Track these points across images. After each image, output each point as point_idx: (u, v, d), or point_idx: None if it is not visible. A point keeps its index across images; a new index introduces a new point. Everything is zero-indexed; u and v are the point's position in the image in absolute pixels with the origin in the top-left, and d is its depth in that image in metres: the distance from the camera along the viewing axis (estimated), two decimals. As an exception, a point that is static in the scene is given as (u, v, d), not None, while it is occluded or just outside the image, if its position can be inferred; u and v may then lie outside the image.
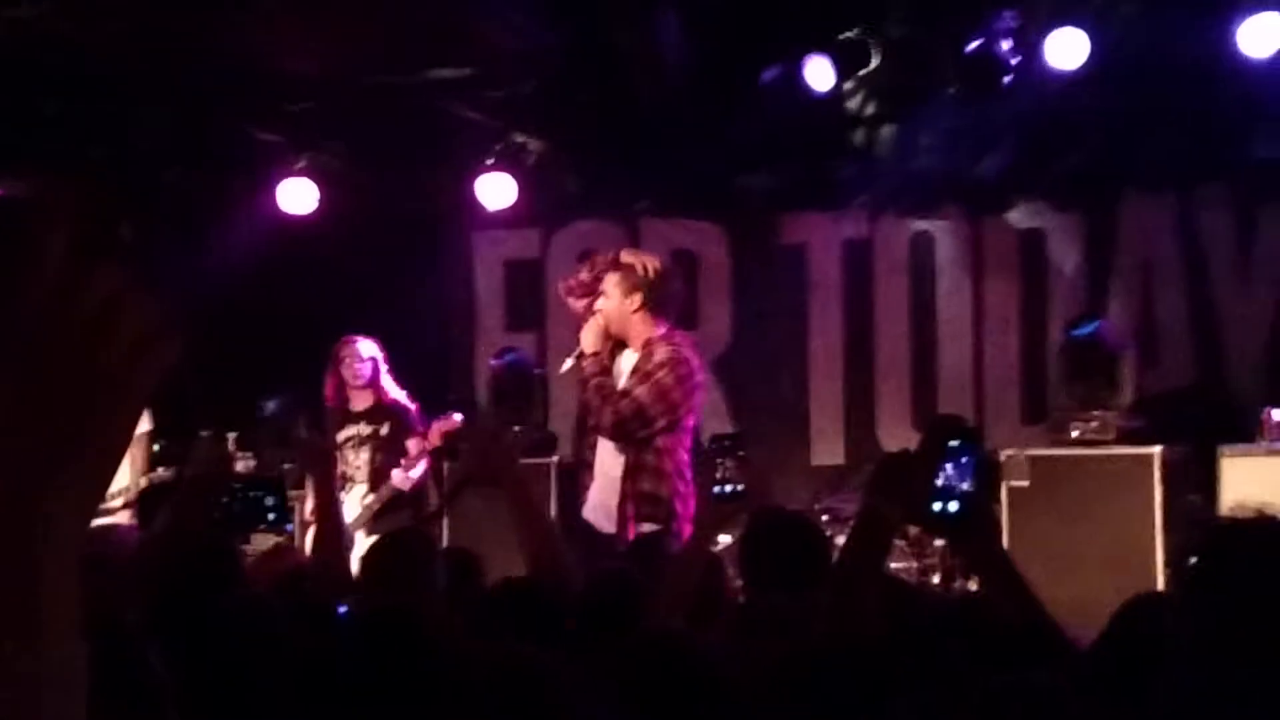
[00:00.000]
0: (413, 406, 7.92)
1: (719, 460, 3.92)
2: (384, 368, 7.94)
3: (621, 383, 6.25)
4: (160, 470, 8.28)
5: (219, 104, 8.68)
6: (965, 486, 2.69)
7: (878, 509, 2.82)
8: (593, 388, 6.24)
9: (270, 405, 8.97)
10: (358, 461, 7.90)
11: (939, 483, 2.68)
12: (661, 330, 6.28)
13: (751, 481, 3.90)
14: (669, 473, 6.16)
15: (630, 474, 6.19)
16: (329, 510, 4.68)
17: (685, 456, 6.25)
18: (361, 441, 7.88)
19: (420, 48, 8.09)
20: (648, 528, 6.17)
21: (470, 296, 10.11)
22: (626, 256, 6.51)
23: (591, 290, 6.40)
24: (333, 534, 4.47)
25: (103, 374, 0.98)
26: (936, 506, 2.71)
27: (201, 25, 7.41)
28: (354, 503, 7.80)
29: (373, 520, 7.74)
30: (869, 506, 2.84)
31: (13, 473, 0.95)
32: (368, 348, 7.95)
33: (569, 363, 6.47)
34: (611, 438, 6.23)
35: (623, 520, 6.23)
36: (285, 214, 9.35)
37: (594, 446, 6.48)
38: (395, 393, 7.94)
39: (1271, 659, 1.97)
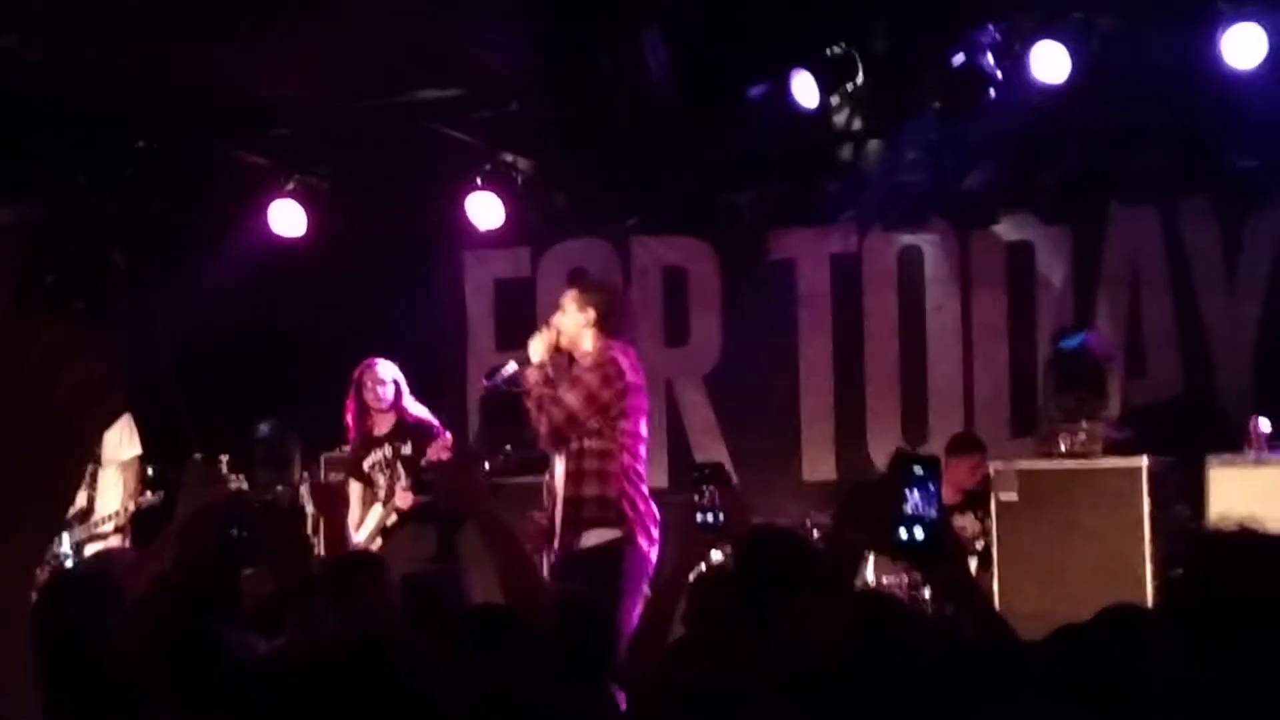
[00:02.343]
0: (436, 423, 7.88)
1: (700, 489, 3.97)
2: (405, 389, 7.93)
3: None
4: (150, 495, 8.29)
5: (207, 129, 8.71)
6: (930, 514, 2.73)
7: (844, 536, 2.86)
8: (534, 399, 6.35)
9: (263, 428, 8.98)
10: (381, 482, 7.89)
11: (905, 510, 2.72)
12: (608, 347, 6.37)
13: (731, 512, 3.93)
14: (613, 474, 6.22)
15: (571, 480, 6.26)
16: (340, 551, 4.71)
17: (629, 460, 6.31)
18: (388, 464, 7.86)
19: (406, 70, 8.13)
20: (600, 532, 6.20)
21: (461, 316, 10.13)
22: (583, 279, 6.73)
23: None
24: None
25: (48, 424, 0.99)
26: (903, 534, 2.75)
27: (186, 52, 7.44)
28: (372, 523, 7.85)
29: (379, 537, 7.76)
30: (835, 534, 2.89)
31: None
32: (388, 370, 7.91)
33: (510, 366, 6.57)
34: (549, 446, 6.34)
35: (568, 526, 6.25)
36: (275, 237, 9.38)
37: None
38: (418, 411, 7.91)
39: (1251, 672, 1.99)
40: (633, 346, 6.54)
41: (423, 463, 7.64)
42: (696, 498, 3.98)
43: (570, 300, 6.48)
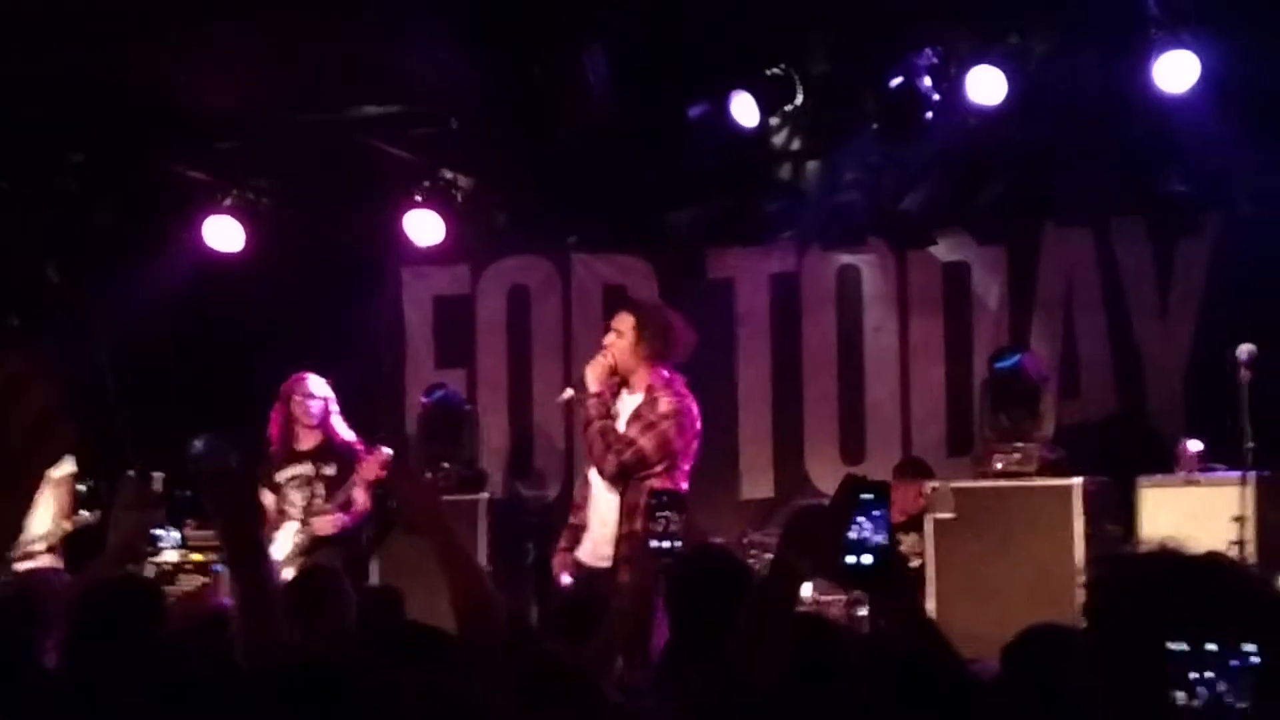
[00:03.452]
0: (361, 449, 7.80)
1: (661, 515, 4.02)
2: (335, 408, 7.86)
3: (622, 424, 6.40)
4: (86, 513, 8.20)
5: (145, 143, 8.65)
6: (879, 540, 2.74)
7: (788, 562, 2.87)
8: (596, 431, 6.38)
9: (198, 444, 8.91)
10: (297, 500, 7.81)
11: (853, 536, 2.73)
12: (664, 375, 6.45)
13: (687, 539, 4.02)
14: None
15: (627, 515, 6.32)
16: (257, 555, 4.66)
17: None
18: (306, 481, 7.79)
19: (345, 85, 8.11)
20: None
21: (400, 333, 10.11)
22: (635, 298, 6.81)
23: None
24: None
25: (2, 461, 0.99)
26: (850, 560, 2.76)
27: (123, 65, 7.39)
28: (286, 539, 7.75)
29: (301, 557, 7.69)
30: (779, 559, 2.89)
31: None
32: (319, 386, 7.85)
33: (568, 393, 6.63)
34: (613, 482, 6.40)
35: (618, 560, 6.32)
36: (212, 252, 9.31)
37: (586, 483, 6.58)
38: (346, 434, 7.84)
39: (1167, 694, 2.02)
40: (678, 371, 6.59)
41: (324, 471, 7.59)
42: (654, 525, 4.04)
43: (628, 326, 6.48)
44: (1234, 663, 1.96)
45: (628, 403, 6.46)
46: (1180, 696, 1.95)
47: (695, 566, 4.08)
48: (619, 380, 6.49)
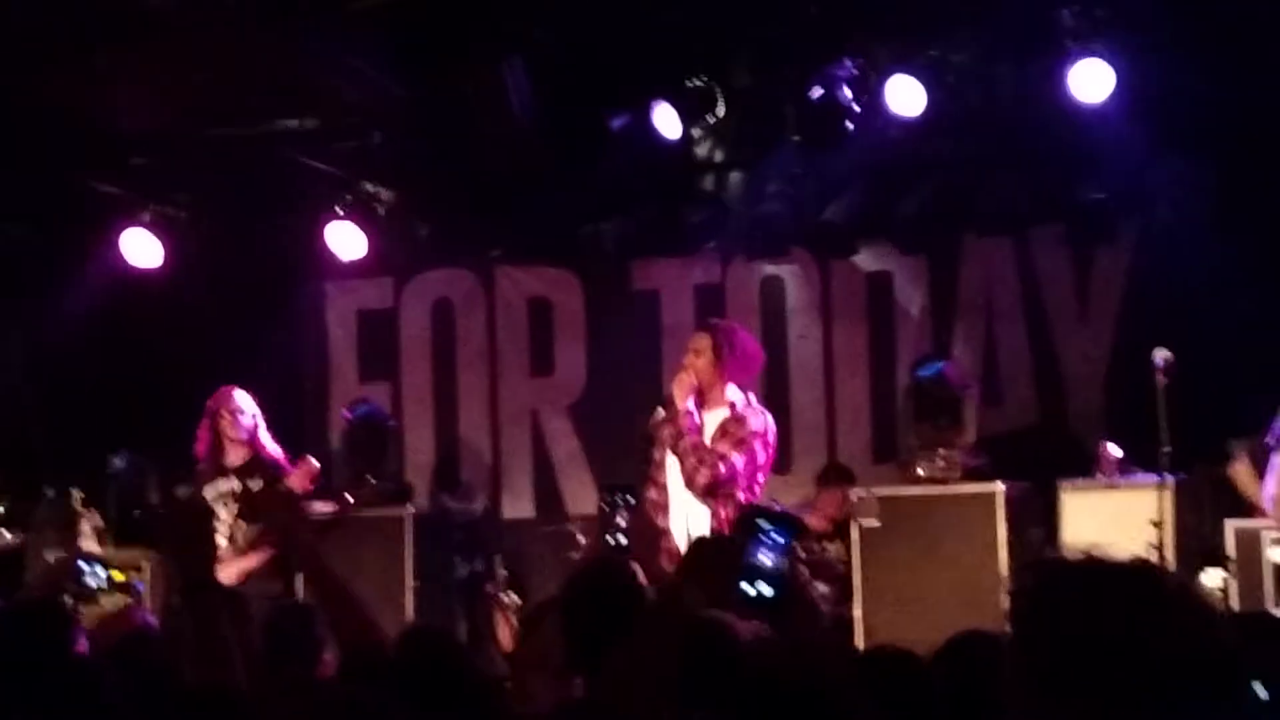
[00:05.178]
0: (288, 466, 7.71)
1: (613, 513, 4.04)
2: (262, 423, 7.78)
3: (707, 439, 6.62)
4: (6, 534, 8.08)
5: (59, 159, 8.53)
6: (778, 569, 2.75)
7: (680, 593, 2.87)
8: (689, 447, 6.59)
9: (118, 462, 8.80)
10: (225, 516, 7.71)
11: (752, 564, 2.74)
12: (741, 393, 6.74)
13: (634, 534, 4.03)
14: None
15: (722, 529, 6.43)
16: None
17: None
18: (235, 497, 7.69)
19: (266, 99, 8.05)
20: None
21: (323, 347, 10.03)
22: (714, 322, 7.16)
23: None
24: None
25: None
26: (749, 589, 2.76)
27: (38, 79, 7.29)
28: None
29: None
30: (672, 584, 2.90)
31: None
32: (247, 401, 7.76)
33: (659, 413, 6.78)
34: (703, 497, 6.54)
35: None
36: (131, 267, 9.19)
37: (664, 490, 6.67)
38: (273, 449, 7.76)
39: (1091, 701, 2.04)
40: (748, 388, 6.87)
41: (251, 486, 7.53)
42: (607, 521, 4.04)
43: (706, 345, 6.76)
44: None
45: (709, 420, 6.69)
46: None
47: (589, 581, 4.05)
48: (699, 400, 6.73)
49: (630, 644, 2.80)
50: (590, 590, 3.78)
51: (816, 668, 2.84)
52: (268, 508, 7.32)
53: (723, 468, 6.52)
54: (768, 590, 2.71)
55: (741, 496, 6.55)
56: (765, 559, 2.71)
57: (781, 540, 2.75)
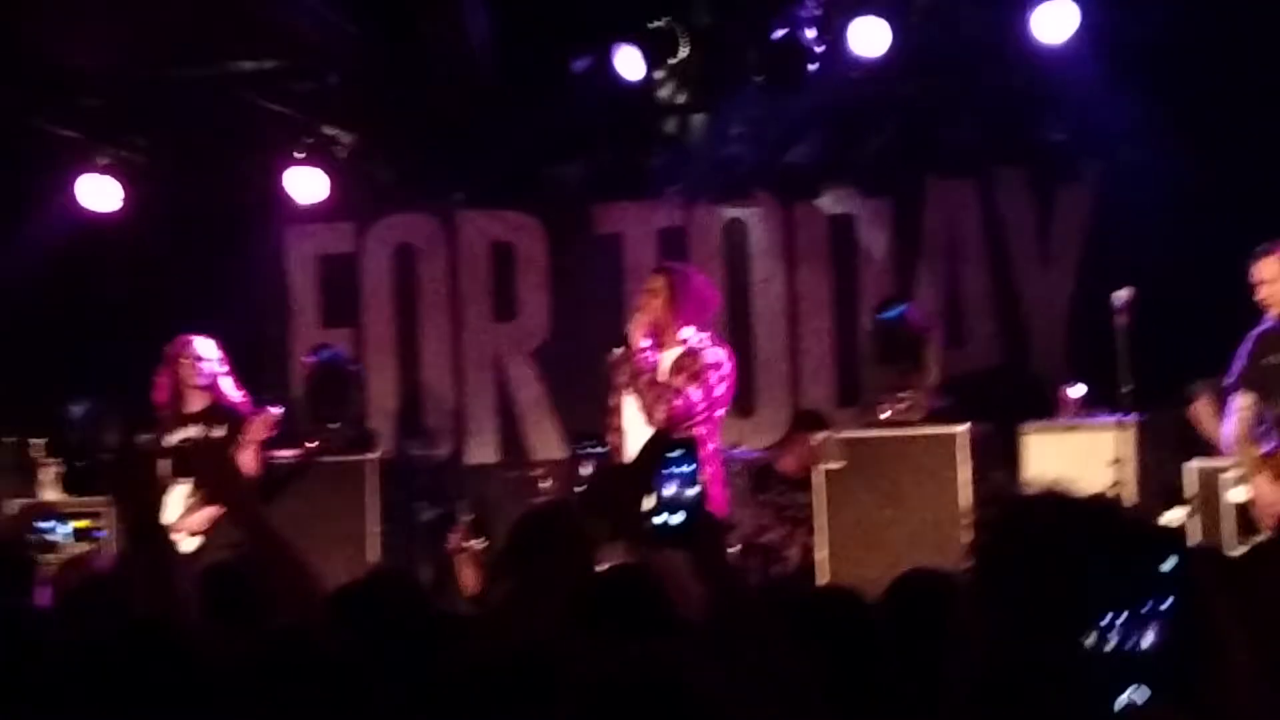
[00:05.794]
0: (249, 411, 7.67)
1: (576, 464, 4.03)
2: (223, 370, 7.73)
3: (663, 376, 6.72)
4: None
5: (12, 101, 8.41)
6: (688, 497, 2.73)
7: (582, 523, 2.85)
8: (645, 384, 6.71)
9: (77, 409, 8.73)
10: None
11: (663, 494, 2.71)
12: (696, 331, 6.82)
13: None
14: (704, 458, 6.45)
15: None
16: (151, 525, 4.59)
17: (713, 446, 6.71)
18: (195, 444, 7.66)
19: (222, 40, 7.95)
20: None
21: (283, 292, 9.96)
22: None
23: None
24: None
25: None
26: (659, 519, 2.74)
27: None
28: (176, 503, 7.63)
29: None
30: (575, 517, 2.88)
31: None
32: (207, 348, 7.70)
33: (617, 351, 6.85)
34: (659, 429, 6.50)
35: None
36: (88, 211, 9.09)
37: (620, 432, 6.76)
38: (235, 395, 7.72)
39: (1056, 631, 2.04)
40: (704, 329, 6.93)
41: (212, 433, 7.50)
42: (572, 471, 4.03)
43: (656, 285, 6.87)
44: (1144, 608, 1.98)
45: (665, 358, 6.79)
46: (1090, 640, 1.97)
47: (533, 523, 4.03)
48: (656, 341, 6.82)
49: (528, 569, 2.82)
50: (534, 533, 3.78)
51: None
52: (198, 462, 7.31)
53: (678, 402, 6.62)
54: (675, 519, 2.69)
55: (702, 430, 6.62)
56: (673, 487, 2.69)
57: (689, 469, 2.73)
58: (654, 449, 2.77)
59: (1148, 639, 1.95)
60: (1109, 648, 1.95)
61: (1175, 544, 2.09)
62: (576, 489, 4.47)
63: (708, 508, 2.83)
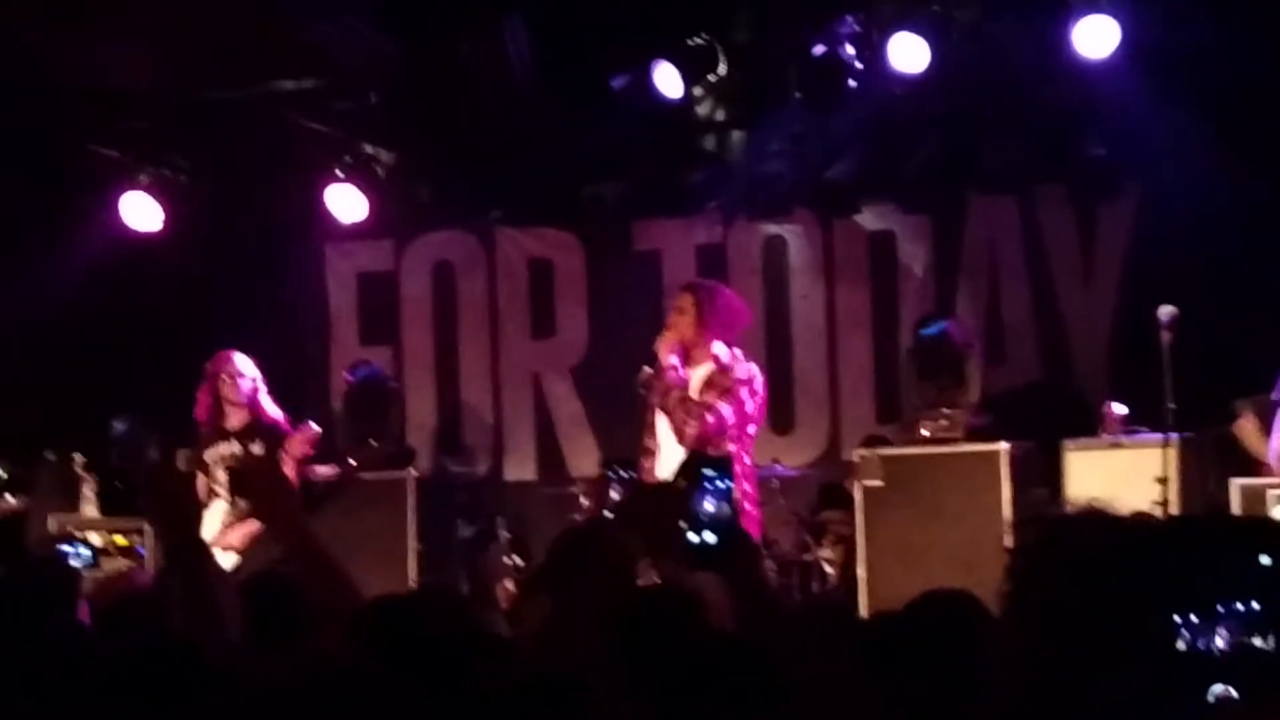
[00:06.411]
0: (288, 428, 7.70)
1: (607, 487, 4.03)
2: (262, 386, 7.77)
3: (694, 393, 6.68)
4: (9, 498, 8.07)
5: (56, 121, 8.48)
6: (722, 516, 2.73)
7: (620, 539, 2.85)
8: (676, 399, 6.66)
9: (119, 425, 8.78)
10: (225, 480, 7.71)
11: (701, 513, 2.71)
12: (726, 348, 6.80)
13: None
14: (738, 475, 6.47)
15: None
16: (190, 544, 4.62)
17: (748, 461, 6.64)
18: (235, 460, 7.69)
19: (261, 60, 7.99)
20: None
21: (324, 310, 10.00)
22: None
23: None
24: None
25: None
26: (693, 538, 2.74)
27: (33, 41, 7.24)
28: (215, 519, 7.66)
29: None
30: (614, 536, 2.87)
31: None
32: (246, 365, 7.75)
33: (646, 371, 6.85)
34: (692, 448, 6.51)
35: None
36: (130, 230, 9.16)
37: (653, 452, 6.68)
38: (274, 412, 7.75)
39: (1095, 645, 2.02)
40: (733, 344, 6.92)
41: (252, 450, 7.54)
42: (603, 495, 4.04)
43: (685, 303, 6.86)
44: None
45: (695, 375, 6.76)
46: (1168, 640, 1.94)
47: (569, 546, 4.02)
48: (684, 358, 6.80)
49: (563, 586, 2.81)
50: (571, 553, 3.77)
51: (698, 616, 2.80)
52: (250, 479, 7.35)
53: (710, 418, 6.57)
54: (711, 538, 2.69)
55: (732, 448, 6.57)
56: (709, 506, 2.68)
57: (724, 487, 2.72)
58: (690, 468, 2.77)
59: (1222, 641, 1.93)
60: (1182, 648, 1.92)
61: (1272, 540, 2.06)
62: (610, 510, 4.43)
63: (742, 525, 2.81)
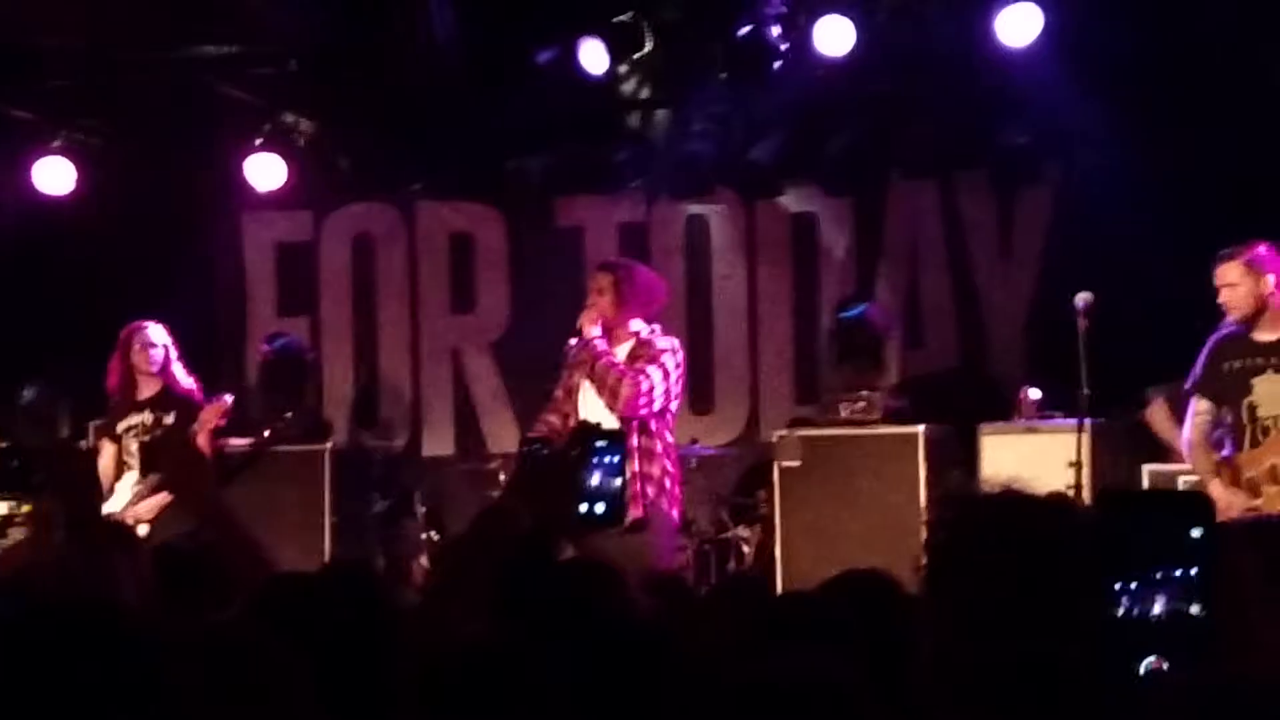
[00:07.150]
0: (200, 398, 7.66)
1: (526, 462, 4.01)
2: (174, 355, 7.71)
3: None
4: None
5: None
6: (612, 487, 2.74)
7: (508, 508, 2.85)
8: (606, 366, 6.64)
9: (28, 391, 8.64)
10: (137, 449, 7.64)
11: (589, 484, 2.72)
12: (644, 324, 6.79)
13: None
14: (658, 454, 6.58)
15: (634, 457, 6.44)
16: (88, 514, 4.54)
17: (670, 439, 6.68)
18: (147, 430, 7.64)
19: (180, 23, 7.86)
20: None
21: (240, 279, 9.87)
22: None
23: None
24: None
25: None
26: (584, 508, 2.75)
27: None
28: (125, 489, 7.58)
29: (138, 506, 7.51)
30: (499, 504, 2.87)
31: None
32: (159, 334, 7.69)
33: (573, 341, 6.79)
34: (623, 412, 6.52)
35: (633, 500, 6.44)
36: (41, 195, 8.99)
37: (568, 419, 6.64)
38: (187, 382, 7.70)
39: (1010, 626, 2.03)
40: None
41: (163, 419, 7.48)
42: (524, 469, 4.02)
43: (603, 283, 6.81)
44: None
45: (619, 352, 6.74)
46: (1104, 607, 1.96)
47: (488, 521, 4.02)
48: (607, 336, 6.77)
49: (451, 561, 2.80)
50: (482, 529, 3.75)
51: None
52: (161, 450, 7.27)
53: (644, 381, 6.57)
54: (600, 510, 2.69)
55: (669, 418, 6.61)
56: (601, 478, 2.69)
57: (614, 459, 2.73)
58: (580, 440, 2.76)
59: (1159, 607, 1.94)
60: (1120, 615, 1.94)
61: (1201, 512, 2.08)
62: (506, 480, 4.39)
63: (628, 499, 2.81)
